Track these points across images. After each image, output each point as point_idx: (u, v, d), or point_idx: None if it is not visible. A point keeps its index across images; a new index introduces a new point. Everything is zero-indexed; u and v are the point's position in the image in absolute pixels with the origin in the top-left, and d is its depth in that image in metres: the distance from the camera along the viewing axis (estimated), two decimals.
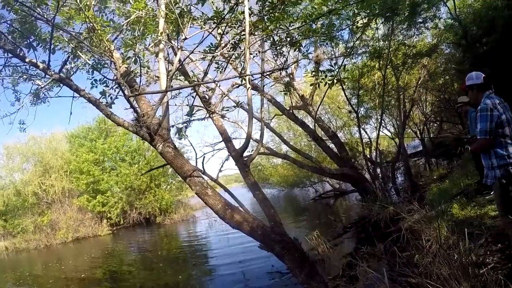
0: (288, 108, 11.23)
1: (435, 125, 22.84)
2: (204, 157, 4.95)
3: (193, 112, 5.02)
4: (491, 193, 5.48)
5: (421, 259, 4.37)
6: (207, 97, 5.71)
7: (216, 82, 5.87)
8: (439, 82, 17.52)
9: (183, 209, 28.88)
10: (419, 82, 15.70)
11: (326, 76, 6.89)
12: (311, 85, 8.40)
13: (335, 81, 6.95)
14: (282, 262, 4.45)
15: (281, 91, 9.75)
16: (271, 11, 5.71)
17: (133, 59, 5.22)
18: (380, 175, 12.55)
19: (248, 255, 9.61)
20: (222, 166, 5.66)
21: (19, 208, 25.46)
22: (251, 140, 5.37)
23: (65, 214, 25.49)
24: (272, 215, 4.62)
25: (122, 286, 9.79)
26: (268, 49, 6.91)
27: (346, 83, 11.78)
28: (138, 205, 27.23)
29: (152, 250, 15.61)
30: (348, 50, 10.84)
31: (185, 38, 4.90)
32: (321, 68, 9.37)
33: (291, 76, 11.29)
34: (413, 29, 12.42)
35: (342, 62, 10.42)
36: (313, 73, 7.37)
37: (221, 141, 5.74)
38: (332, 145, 11.76)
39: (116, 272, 11.84)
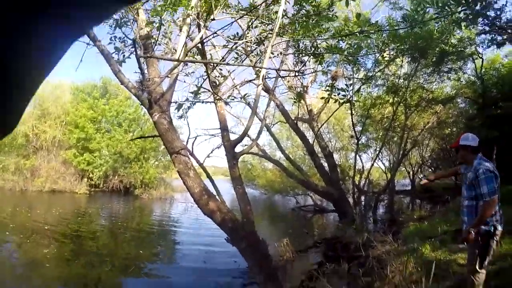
0: (293, 118, 11.23)
1: (429, 170, 23.03)
2: (195, 138, 4.85)
3: (199, 93, 4.97)
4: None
5: (381, 287, 4.43)
6: (217, 82, 5.67)
7: (231, 65, 5.79)
8: (445, 132, 17.67)
9: (164, 187, 28.80)
10: (426, 126, 15.78)
11: (339, 93, 6.91)
12: (322, 98, 8.42)
13: (346, 100, 6.98)
14: (245, 259, 4.42)
15: (292, 98, 9.76)
16: (304, 18, 5.70)
17: (156, 25, 5.14)
18: (363, 203, 12.58)
19: (215, 247, 9.61)
20: (211, 152, 5.56)
21: (6, 145, 24.99)
22: (247, 137, 5.34)
23: (48, 163, 25.29)
24: (246, 211, 4.59)
25: (81, 247, 9.65)
26: (290, 53, 6.89)
27: (355, 109, 11.87)
28: (122, 173, 27.20)
29: (123, 219, 15.56)
30: (367, 78, 10.92)
31: (213, 19, 4.87)
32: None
33: (304, 88, 11.34)
34: (436, 76, 12.53)
35: (359, 88, 10.54)
36: (327, 87, 7.38)
37: (218, 129, 5.65)
38: (325, 164, 11.80)
39: (81, 232, 11.68)
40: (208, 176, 4.95)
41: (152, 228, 13.95)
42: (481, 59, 12.90)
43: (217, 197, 4.39)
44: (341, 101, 6.85)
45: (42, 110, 26.45)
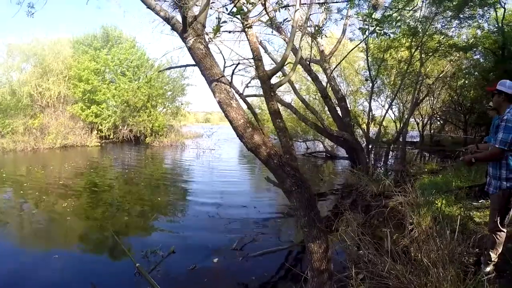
0: (304, 59, 10.97)
1: (438, 123, 23.00)
2: (237, 65, 4.46)
3: (236, 13, 4.59)
4: (480, 201, 5.82)
5: (399, 239, 4.52)
6: (245, 9, 5.41)
7: None
8: (457, 83, 17.36)
9: (174, 134, 29.03)
10: (441, 74, 15.45)
11: (377, 24, 6.62)
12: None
13: (382, 33, 6.73)
14: (288, 199, 4.03)
15: (314, 34, 9.35)
16: None
17: None
18: (373, 152, 12.66)
19: (226, 197, 9.70)
20: (249, 82, 5.19)
21: (12, 108, 24.49)
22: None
23: (56, 120, 25.09)
24: (289, 147, 4.24)
25: (98, 198, 9.78)
26: None
27: (370, 51, 11.60)
28: (131, 122, 27.34)
29: (136, 169, 15.71)
30: (385, 18, 10.51)
31: None
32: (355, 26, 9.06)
33: (316, 27, 11.02)
34: (455, 21, 12.01)
35: (374, 28, 10.13)
36: (365, 16, 7.06)
37: (251, 58, 5.37)
38: (337, 109, 11.62)
39: (96, 184, 11.83)
40: (249, 108, 4.62)
41: (165, 175, 14.17)
42: (503, 9, 12.28)
43: (260, 130, 3.96)
44: (379, 32, 6.62)
45: (44, 67, 25.78)
